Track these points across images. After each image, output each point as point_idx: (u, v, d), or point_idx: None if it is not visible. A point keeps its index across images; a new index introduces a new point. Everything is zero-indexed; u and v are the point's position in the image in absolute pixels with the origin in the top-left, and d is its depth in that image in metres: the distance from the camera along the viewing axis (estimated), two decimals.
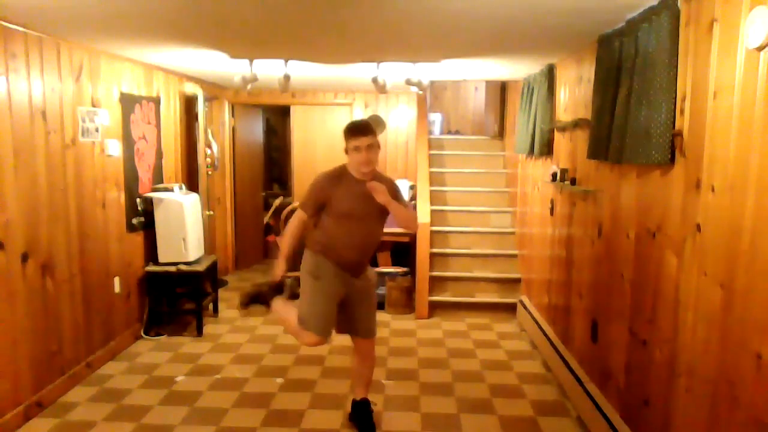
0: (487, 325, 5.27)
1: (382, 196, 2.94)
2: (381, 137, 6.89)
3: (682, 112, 2.36)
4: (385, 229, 5.77)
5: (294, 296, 3.30)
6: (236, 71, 4.49)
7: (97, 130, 4.04)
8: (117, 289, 4.35)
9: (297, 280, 3.25)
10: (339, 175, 3.09)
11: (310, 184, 3.15)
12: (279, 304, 3.36)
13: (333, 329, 3.19)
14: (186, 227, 4.70)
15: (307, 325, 3.07)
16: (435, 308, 5.53)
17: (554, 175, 4.17)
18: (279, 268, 3.22)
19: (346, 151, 3.05)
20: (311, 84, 6.04)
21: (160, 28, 3.33)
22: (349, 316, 3.21)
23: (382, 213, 3.09)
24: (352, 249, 3.07)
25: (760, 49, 1.84)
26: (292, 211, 6.15)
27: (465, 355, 4.53)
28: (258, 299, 3.43)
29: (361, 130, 3.01)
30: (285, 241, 3.20)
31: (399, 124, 6.93)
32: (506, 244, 5.84)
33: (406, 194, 6.02)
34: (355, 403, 3.36)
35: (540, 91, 4.53)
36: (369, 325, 3.25)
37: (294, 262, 3.29)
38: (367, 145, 2.97)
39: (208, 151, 5.97)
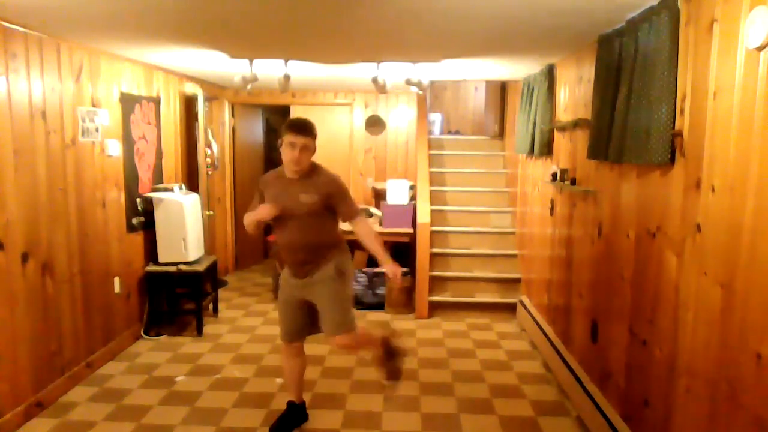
0: (487, 325, 5.27)
1: (394, 277, 3.08)
2: (381, 137, 6.92)
3: (682, 112, 2.36)
4: (385, 229, 5.83)
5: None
6: (236, 71, 4.49)
7: (97, 130, 4.04)
8: (117, 289, 4.35)
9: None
10: (272, 175, 3.14)
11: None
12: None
13: (293, 334, 3.20)
14: (186, 227, 4.70)
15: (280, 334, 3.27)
16: (435, 308, 5.53)
17: (554, 175, 4.17)
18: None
19: (280, 145, 3.00)
20: (311, 84, 6.04)
21: (160, 28, 3.33)
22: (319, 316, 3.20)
23: (316, 208, 2.99)
24: (293, 247, 3.06)
25: (760, 49, 1.84)
26: None
27: (465, 355, 4.53)
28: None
29: (300, 129, 2.96)
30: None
31: (399, 124, 6.93)
32: (506, 244, 5.84)
33: (406, 194, 6.02)
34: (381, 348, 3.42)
35: (540, 91, 4.53)
36: (327, 323, 3.10)
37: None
38: (302, 145, 2.93)
39: (208, 151, 5.97)
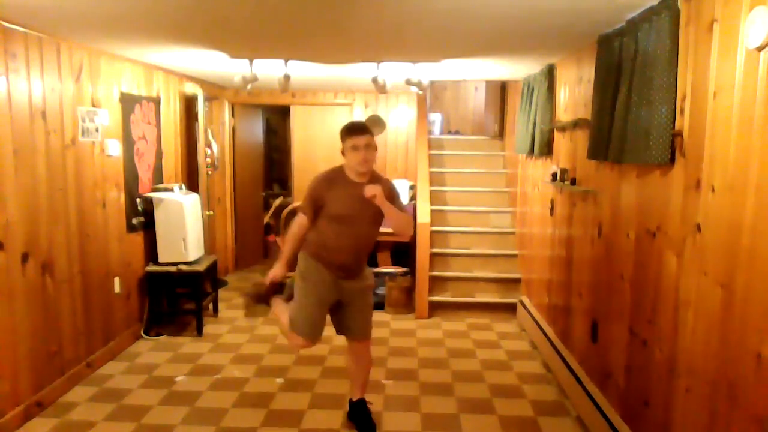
0: (487, 325, 5.27)
1: (378, 198, 2.92)
2: (381, 137, 6.91)
3: (682, 112, 2.36)
4: (385, 229, 5.84)
5: (291, 297, 3.29)
6: (236, 71, 4.49)
7: (97, 130, 4.04)
8: (117, 289, 4.35)
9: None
10: (335, 176, 3.07)
11: (308, 186, 3.12)
12: (277, 304, 3.37)
13: (320, 332, 3.15)
14: (186, 227, 4.70)
15: (294, 328, 3.11)
16: (435, 308, 5.53)
17: (554, 175, 4.17)
18: (277, 271, 3.19)
19: (343, 152, 3.01)
20: (311, 84, 6.04)
21: (160, 28, 3.33)
22: (343, 317, 3.21)
23: (377, 216, 3.05)
24: (344, 251, 3.05)
25: (760, 49, 1.84)
26: (292, 212, 6.18)
27: (465, 355, 4.53)
28: (259, 299, 3.42)
29: (358, 130, 3.00)
30: (286, 244, 3.18)
31: (399, 124, 6.93)
32: (506, 244, 5.84)
33: (406, 194, 6.03)
34: (351, 404, 3.36)
35: (540, 91, 4.53)
36: (362, 327, 3.22)
37: (294, 263, 3.28)
38: (365, 145, 2.95)
39: (208, 151, 5.97)
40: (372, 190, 2.91)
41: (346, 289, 3.12)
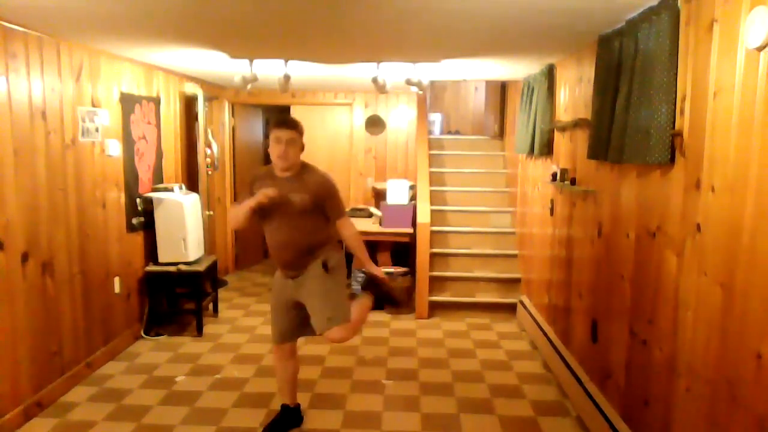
0: (487, 325, 5.27)
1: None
2: (381, 137, 6.92)
3: (682, 112, 2.36)
4: (385, 229, 5.84)
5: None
6: (236, 71, 4.49)
7: (97, 130, 4.04)
8: (117, 289, 4.35)
9: None
10: (263, 173, 3.08)
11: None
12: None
13: (288, 337, 3.17)
14: (186, 227, 4.70)
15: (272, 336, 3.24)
16: (435, 308, 5.53)
17: (554, 175, 4.17)
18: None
19: (267, 146, 2.99)
20: (311, 84, 6.04)
21: (160, 28, 3.33)
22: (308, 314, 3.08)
23: (309, 209, 2.95)
24: (282, 247, 3.00)
25: (760, 49, 1.84)
26: None
27: (465, 355, 4.53)
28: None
29: (284, 123, 2.97)
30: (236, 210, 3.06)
31: (399, 124, 6.93)
32: (506, 244, 5.84)
33: (406, 194, 6.02)
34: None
35: (540, 91, 4.53)
36: (321, 318, 2.96)
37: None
38: (287, 139, 2.91)
39: (208, 151, 5.97)
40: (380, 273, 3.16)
41: (299, 287, 3.04)
